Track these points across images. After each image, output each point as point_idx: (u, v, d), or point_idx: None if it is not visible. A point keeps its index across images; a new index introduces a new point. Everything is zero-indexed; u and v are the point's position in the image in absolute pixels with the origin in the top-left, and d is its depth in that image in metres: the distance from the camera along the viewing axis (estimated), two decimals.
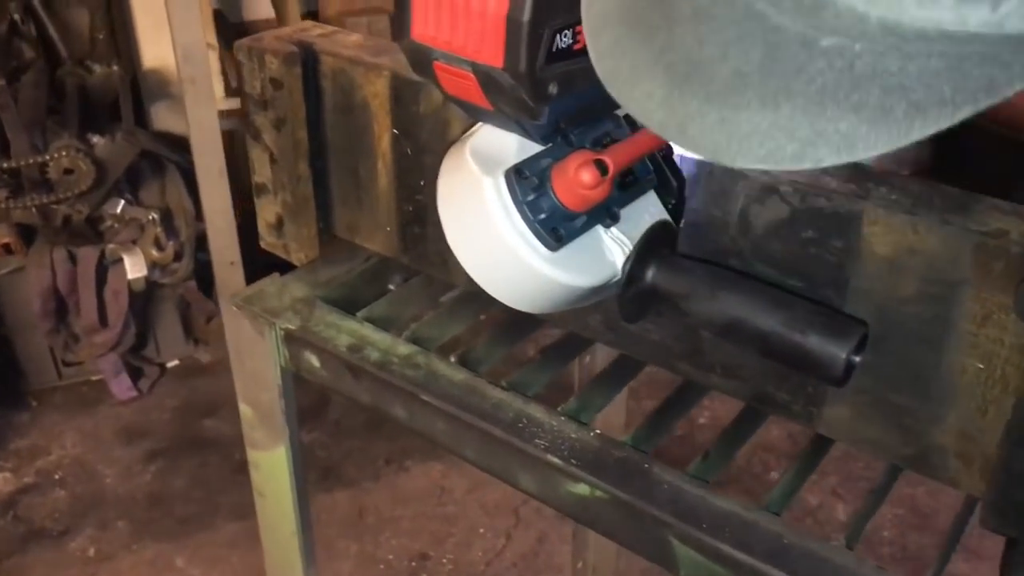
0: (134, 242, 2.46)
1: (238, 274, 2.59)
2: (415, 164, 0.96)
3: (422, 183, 0.96)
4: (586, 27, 0.50)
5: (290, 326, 0.95)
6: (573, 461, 0.79)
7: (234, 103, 2.73)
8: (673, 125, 0.46)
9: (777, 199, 0.75)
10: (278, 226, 1.06)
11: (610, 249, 0.69)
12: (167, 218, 2.47)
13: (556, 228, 0.66)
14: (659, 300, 0.68)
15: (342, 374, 0.92)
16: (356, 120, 0.98)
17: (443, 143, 0.92)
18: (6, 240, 2.42)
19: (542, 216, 0.65)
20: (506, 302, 0.70)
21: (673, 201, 0.76)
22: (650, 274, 0.68)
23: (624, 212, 0.71)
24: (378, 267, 1.06)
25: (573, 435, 0.82)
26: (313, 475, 2.35)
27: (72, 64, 2.59)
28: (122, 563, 2.16)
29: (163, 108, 2.87)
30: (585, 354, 1.17)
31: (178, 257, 2.48)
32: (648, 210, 0.73)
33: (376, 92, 0.95)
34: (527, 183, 0.65)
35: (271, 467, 1.05)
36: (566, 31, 0.61)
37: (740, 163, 0.46)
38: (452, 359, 0.91)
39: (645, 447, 0.82)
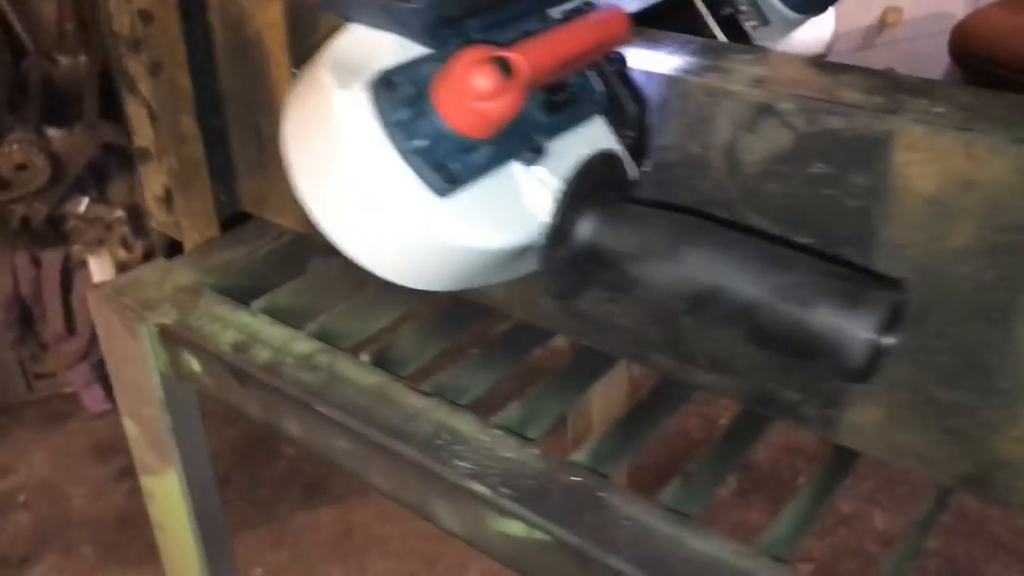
0: (101, 243, 2.28)
1: None
2: None
3: None
4: None
5: (165, 321, 0.75)
6: (504, 490, 0.58)
7: None
8: None
9: (776, 123, 0.54)
10: (167, 200, 0.86)
11: (533, 195, 0.49)
12: (135, 216, 2.29)
13: (444, 163, 0.45)
14: (602, 265, 0.48)
15: (226, 380, 0.72)
16: (251, 62, 0.78)
17: None
18: None
19: (421, 144, 0.44)
20: (388, 276, 0.50)
21: (632, 134, 0.55)
22: (587, 228, 0.47)
23: (556, 146, 0.50)
24: (291, 248, 0.85)
25: (509, 454, 0.61)
26: (297, 492, 2.16)
27: (37, 56, 2.42)
28: None
29: None
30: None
31: (148, 257, 2.30)
32: (593, 145, 0.52)
33: (270, 22, 0.75)
34: (400, 97, 0.45)
35: (165, 496, 0.85)
36: None
37: None
38: (364, 358, 0.70)
39: (607, 468, 0.61)
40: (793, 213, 0.55)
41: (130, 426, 0.83)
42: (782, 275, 0.43)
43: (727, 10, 0.64)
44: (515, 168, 0.49)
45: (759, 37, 0.68)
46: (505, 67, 0.42)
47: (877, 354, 0.42)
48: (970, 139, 0.48)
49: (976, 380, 0.53)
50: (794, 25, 0.70)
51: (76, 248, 2.27)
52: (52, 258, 2.25)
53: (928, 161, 0.50)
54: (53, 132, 2.16)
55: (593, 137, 0.52)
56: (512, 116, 0.44)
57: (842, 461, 0.62)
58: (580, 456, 0.61)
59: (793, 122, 0.53)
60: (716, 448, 0.63)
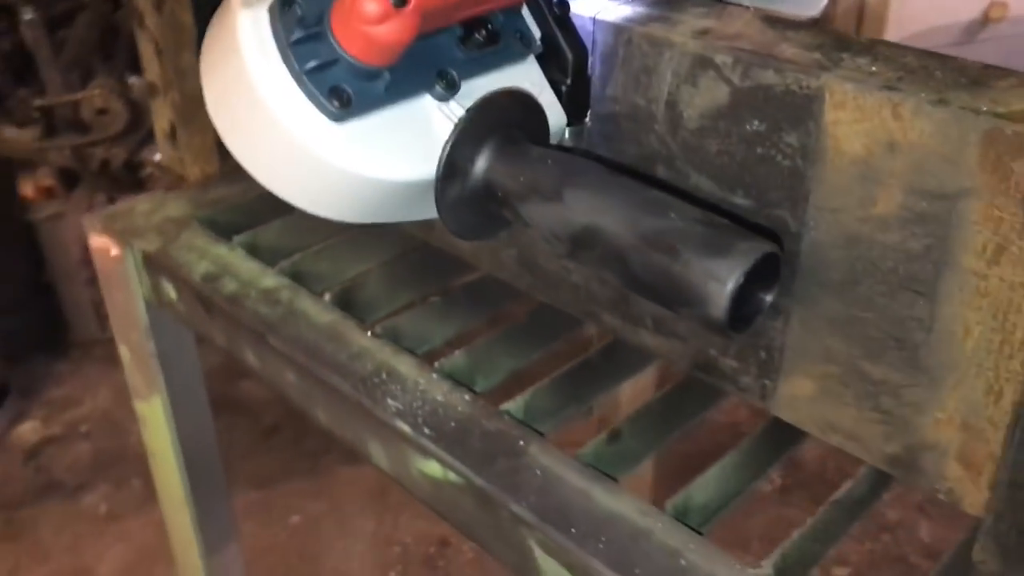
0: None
1: None
2: None
3: None
4: None
5: (148, 248, 0.77)
6: (426, 430, 0.58)
7: None
8: None
9: (713, 76, 0.52)
10: (173, 135, 0.88)
11: (443, 130, 0.48)
12: None
13: (340, 87, 0.45)
14: (497, 203, 0.47)
15: (195, 308, 0.74)
16: None
17: None
18: (47, 183, 2.35)
19: (312, 65, 0.45)
20: (293, 202, 0.50)
21: (568, 81, 0.54)
22: (481, 164, 0.47)
23: (476, 84, 0.50)
24: None
25: (440, 397, 0.61)
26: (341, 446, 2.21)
27: (132, 6, 2.51)
28: (131, 523, 2.06)
29: None
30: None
31: None
32: (520, 87, 0.52)
33: None
34: (299, 17, 0.45)
35: (153, 421, 0.88)
36: None
37: None
38: (326, 297, 0.71)
39: (540, 423, 0.61)
40: (730, 171, 0.53)
41: (123, 351, 0.87)
42: (654, 220, 0.41)
43: None
44: (427, 102, 0.49)
45: None
46: None
47: (746, 307, 0.40)
48: (895, 98, 0.46)
49: (903, 356, 0.50)
50: None
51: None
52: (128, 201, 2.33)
53: (856, 120, 0.47)
54: (134, 80, 2.24)
55: (521, 79, 0.52)
56: (404, 43, 0.43)
57: (780, 435, 0.61)
58: (511, 406, 0.61)
59: (730, 76, 0.51)
60: (651, 410, 0.62)
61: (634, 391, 1.18)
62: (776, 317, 0.55)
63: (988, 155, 0.44)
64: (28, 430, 2.31)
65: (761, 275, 0.41)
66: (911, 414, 0.51)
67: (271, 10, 0.45)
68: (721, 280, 0.39)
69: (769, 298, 0.42)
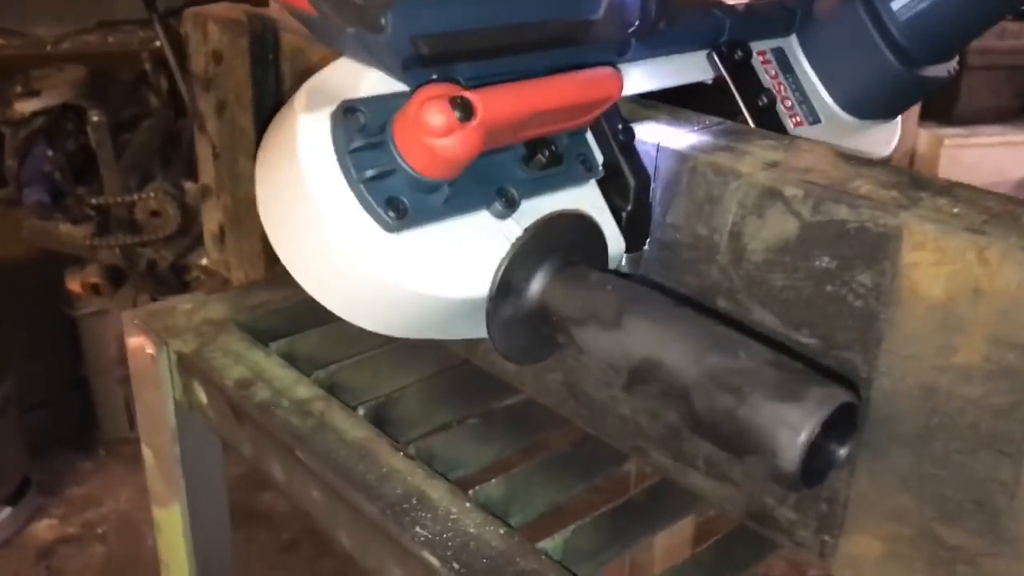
0: None
1: None
2: None
3: None
4: None
5: (184, 349, 0.75)
6: (455, 565, 0.54)
7: None
8: None
9: (781, 208, 0.50)
10: (221, 237, 0.88)
11: (499, 249, 0.46)
12: None
13: (397, 198, 0.43)
14: (551, 327, 0.44)
15: (226, 414, 0.71)
16: None
17: None
18: (95, 280, 2.38)
19: (371, 174, 0.43)
20: (338, 312, 0.48)
21: (629, 207, 0.52)
22: (536, 285, 0.44)
23: (536, 204, 0.48)
24: None
25: (472, 529, 0.57)
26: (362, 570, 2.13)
27: (193, 110, 2.59)
28: None
29: None
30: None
31: None
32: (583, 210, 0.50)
33: None
34: (360, 126, 0.44)
35: (169, 529, 0.84)
36: None
37: None
38: (360, 411, 0.68)
39: (581, 564, 0.57)
40: (796, 308, 0.51)
41: (147, 454, 0.84)
42: (721, 358, 0.38)
43: (764, 100, 0.61)
44: (484, 218, 0.47)
45: (809, 136, 0.64)
46: (465, 108, 0.41)
47: (818, 460, 0.36)
48: (982, 242, 0.43)
49: (983, 521, 0.46)
50: (852, 130, 0.66)
51: None
52: None
53: (937, 263, 0.45)
54: (190, 185, 2.28)
55: (581, 202, 0.50)
56: (467, 158, 0.42)
57: None
58: (549, 544, 0.57)
59: (799, 210, 0.49)
60: (697, 562, 0.58)
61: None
62: (841, 467, 0.51)
63: None
64: (44, 528, 2.27)
65: (836, 426, 0.37)
66: None
67: (333, 116, 0.44)
68: (794, 428, 0.36)
69: (844, 452, 0.39)
